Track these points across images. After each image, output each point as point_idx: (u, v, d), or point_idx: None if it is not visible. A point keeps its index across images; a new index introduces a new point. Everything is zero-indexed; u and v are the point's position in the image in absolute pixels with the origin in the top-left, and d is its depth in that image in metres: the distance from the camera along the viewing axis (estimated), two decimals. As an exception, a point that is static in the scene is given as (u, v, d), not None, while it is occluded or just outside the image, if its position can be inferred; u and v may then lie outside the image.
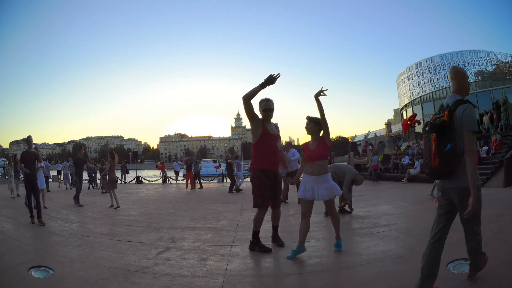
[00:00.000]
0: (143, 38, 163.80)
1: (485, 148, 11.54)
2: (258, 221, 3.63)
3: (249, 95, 3.46)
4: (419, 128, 21.10)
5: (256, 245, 3.62)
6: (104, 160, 15.34)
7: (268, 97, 3.70)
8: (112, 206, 7.59)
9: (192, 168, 13.61)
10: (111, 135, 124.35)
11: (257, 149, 3.66)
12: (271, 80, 3.44)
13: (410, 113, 22.44)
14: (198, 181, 13.62)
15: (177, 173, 17.68)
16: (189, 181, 13.35)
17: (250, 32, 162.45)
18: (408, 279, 2.74)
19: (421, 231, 4.45)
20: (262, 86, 3.45)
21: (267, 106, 3.66)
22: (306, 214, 3.43)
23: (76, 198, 8.18)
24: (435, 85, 29.76)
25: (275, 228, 3.87)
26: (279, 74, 3.45)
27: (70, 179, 15.21)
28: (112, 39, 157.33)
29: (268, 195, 3.60)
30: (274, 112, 3.73)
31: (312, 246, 3.77)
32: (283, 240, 3.85)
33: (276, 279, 2.91)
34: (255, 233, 3.65)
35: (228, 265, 3.24)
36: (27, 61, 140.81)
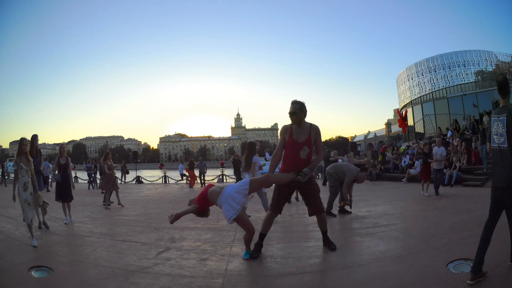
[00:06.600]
0: (143, 38, 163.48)
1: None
2: (263, 223, 3.56)
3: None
4: (419, 128, 21.12)
5: (256, 251, 3.46)
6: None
7: (295, 99, 3.46)
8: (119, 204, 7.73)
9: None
10: (111, 135, 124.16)
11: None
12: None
13: (409, 113, 22.37)
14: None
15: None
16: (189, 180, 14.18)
17: (250, 32, 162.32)
18: (408, 279, 2.75)
19: (421, 231, 4.45)
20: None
21: (289, 110, 3.44)
22: None
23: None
24: (435, 85, 29.69)
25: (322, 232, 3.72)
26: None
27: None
28: (112, 38, 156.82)
29: (279, 199, 3.51)
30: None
31: (312, 246, 3.77)
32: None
33: (276, 279, 2.91)
34: (261, 236, 3.55)
35: (228, 265, 3.25)
36: (27, 60, 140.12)
